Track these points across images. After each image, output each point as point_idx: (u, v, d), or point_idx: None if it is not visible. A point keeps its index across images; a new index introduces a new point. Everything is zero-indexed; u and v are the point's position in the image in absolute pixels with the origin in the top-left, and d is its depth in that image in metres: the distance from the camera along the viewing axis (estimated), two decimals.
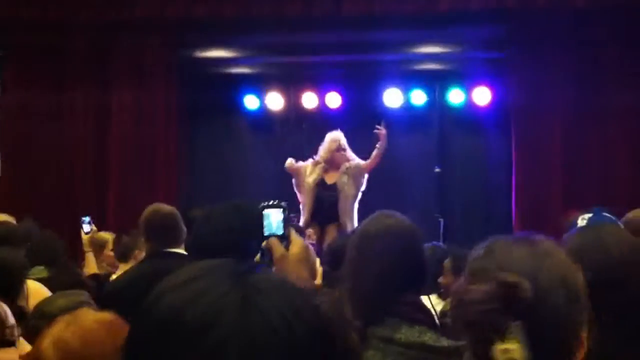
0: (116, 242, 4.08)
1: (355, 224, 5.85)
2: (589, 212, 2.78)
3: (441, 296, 3.15)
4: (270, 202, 1.65)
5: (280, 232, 1.60)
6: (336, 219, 6.07)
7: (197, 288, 0.70)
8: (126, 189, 6.78)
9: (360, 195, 6.18)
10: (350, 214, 6.02)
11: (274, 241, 1.59)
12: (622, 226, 3.01)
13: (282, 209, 1.63)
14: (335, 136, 6.20)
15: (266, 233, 1.62)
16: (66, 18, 6.64)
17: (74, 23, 6.68)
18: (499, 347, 0.97)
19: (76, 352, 1.33)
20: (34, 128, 6.90)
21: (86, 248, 3.91)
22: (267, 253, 1.60)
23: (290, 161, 6.30)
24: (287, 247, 1.58)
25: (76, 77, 6.89)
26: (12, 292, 2.43)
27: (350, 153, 6.21)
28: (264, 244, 1.60)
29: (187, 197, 7.76)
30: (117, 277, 3.29)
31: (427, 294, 3.08)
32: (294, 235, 1.62)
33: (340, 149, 6.12)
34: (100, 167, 6.88)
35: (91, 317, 1.43)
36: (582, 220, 2.75)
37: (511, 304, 1.00)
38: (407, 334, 1.68)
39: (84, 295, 2.29)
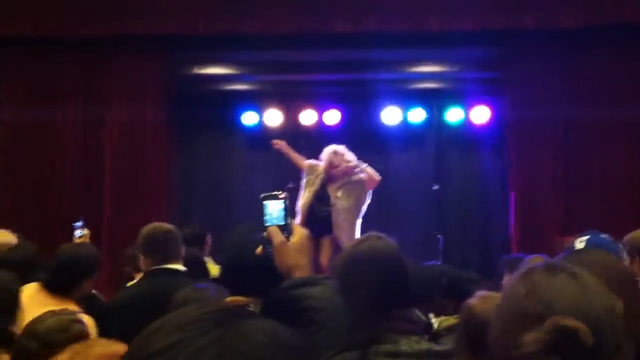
0: (130, 254, 4.12)
1: (352, 237, 5.79)
2: (585, 235, 2.78)
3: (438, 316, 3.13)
4: (271, 193, 1.63)
5: (281, 222, 1.58)
6: (330, 232, 6.01)
7: (177, 340, 0.69)
8: (120, 205, 6.73)
9: (362, 211, 6.08)
10: (346, 228, 5.94)
11: (273, 229, 1.58)
12: (620, 247, 3.02)
13: (283, 199, 1.60)
14: (332, 151, 6.08)
15: (267, 223, 1.59)
16: (62, 34, 6.65)
17: (70, 39, 6.69)
18: None
19: None
20: (29, 143, 6.89)
21: None
22: (268, 242, 1.58)
23: (309, 162, 6.22)
24: (288, 237, 1.57)
25: (72, 94, 6.88)
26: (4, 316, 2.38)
27: (356, 167, 6.06)
28: (264, 233, 1.59)
29: (183, 214, 7.74)
30: (119, 294, 3.29)
31: (425, 312, 3.06)
32: (296, 225, 1.61)
33: (334, 165, 6.01)
34: (95, 184, 6.86)
35: (97, 352, 1.39)
36: (579, 243, 2.75)
37: (572, 352, 0.92)
38: (409, 344, 1.72)
39: (74, 314, 2.26)
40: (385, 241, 1.88)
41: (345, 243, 5.69)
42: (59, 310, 2.35)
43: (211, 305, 0.77)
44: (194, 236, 4.75)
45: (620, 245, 3.07)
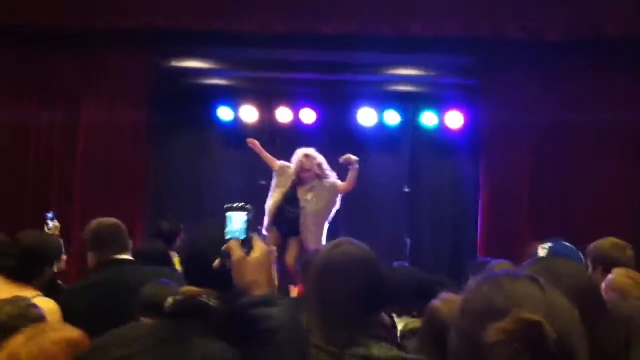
0: None
1: (323, 241, 5.82)
2: (548, 242, 2.84)
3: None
4: (234, 205, 1.60)
5: (242, 235, 1.56)
6: (297, 233, 6.04)
7: (120, 355, 0.71)
8: (91, 201, 6.62)
9: (331, 214, 6.11)
10: (313, 231, 5.96)
11: (233, 243, 1.55)
12: (581, 256, 3.08)
13: (246, 212, 1.58)
14: (303, 154, 6.10)
15: (228, 236, 1.56)
16: (36, 25, 6.54)
17: (45, 31, 6.59)
18: None
19: None
20: (2, 135, 6.78)
21: None
22: (227, 255, 1.55)
23: (276, 161, 6.25)
24: (248, 252, 1.55)
25: (48, 83, 6.80)
26: None
27: (326, 171, 6.12)
28: (224, 247, 1.56)
29: (156, 209, 7.68)
30: (75, 285, 3.32)
31: (398, 315, 3.09)
32: (257, 239, 1.59)
33: (305, 168, 6.03)
34: (67, 175, 6.76)
35: (52, 337, 1.39)
36: (542, 250, 2.80)
37: (536, 344, 0.92)
38: (380, 350, 1.72)
39: (26, 299, 2.28)
40: (360, 247, 1.90)
41: (311, 246, 5.74)
42: (11, 297, 2.36)
43: (158, 323, 0.79)
44: (169, 231, 4.74)
45: (581, 254, 3.12)
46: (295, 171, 6.07)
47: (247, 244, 1.55)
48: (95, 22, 6.54)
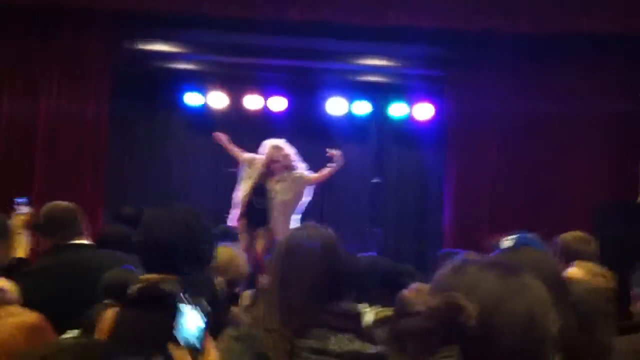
0: None
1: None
2: (513, 235, 2.84)
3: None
4: (194, 299, 1.32)
5: (197, 345, 1.33)
6: (266, 224, 6.04)
7: None
8: (51, 183, 6.44)
9: (301, 205, 6.12)
10: (282, 222, 5.96)
11: (181, 355, 1.34)
12: (545, 249, 3.09)
13: (205, 314, 1.35)
14: (272, 145, 6.08)
15: (181, 337, 1.30)
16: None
17: (6, 5, 6.37)
18: None
19: None
20: None
21: (18, 230, 3.72)
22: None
23: (241, 153, 6.22)
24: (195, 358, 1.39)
25: (5, 64, 6.58)
26: None
27: (295, 162, 6.10)
28: (169, 350, 1.35)
29: (119, 194, 7.55)
30: (28, 268, 3.22)
31: (369, 303, 3.08)
32: (209, 346, 1.46)
33: (274, 160, 6.01)
34: (27, 154, 6.58)
35: (13, 322, 1.34)
36: (507, 242, 2.81)
37: (450, 326, 0.93)
38: (338, 343, 1.69)
39: None
40: (322, 230, 1.86)
41: (280, 236, 5.71)
42: None
43: (94, 341, 0.77)
44: (132, 216, 4.64)
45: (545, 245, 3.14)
46: (264, 163, 6.05)
47: (197, 353, 1.31)
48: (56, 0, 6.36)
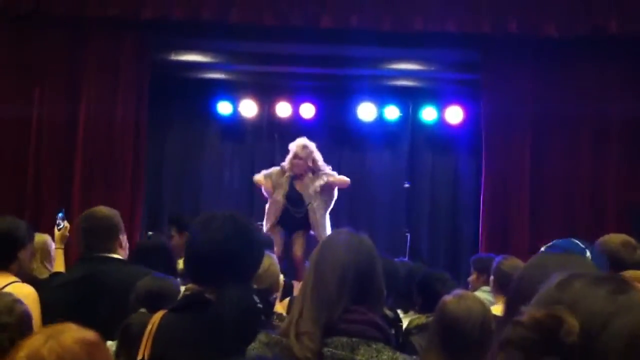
0: None
1: (328, 232, 5.87)
2: (555, 242, 2.79)
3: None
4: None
5: None
6: (304, 228, 6.10)
7: None
8: (89, 192, 6.59)
9: (331, 205, 6.16)
10: (322, 224, 6.03)
11: None
12: (588, 254, 3.02)
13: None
14: (297, 145, 6.09)
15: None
16: (37, 10, 6.49)
17: (45, 16, 6.53)
18: None
19: None
20: (3, 124, 6.74)
21: (58, 244, 3.81)
22: None
23: (259, 177, 6.24)
24: None
25: (45, 73, 6.73)
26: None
27: (320, 163, 6.12)
28: None
29: (153, 203, 7.66)
30: (56, 280, 3.24)
31: (404, 310, 3.09)
32: None
33: (299, 157, 6.01)
34: (66, 168, 6.73)
35: (73, 336, 1.38)
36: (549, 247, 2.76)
37: (551, 339, 0.92)
38: (366, 354, 1.65)
39: (11, 295, 2.26)
40: (359, 236, 1.88)
41: (322, 237, 5.73)
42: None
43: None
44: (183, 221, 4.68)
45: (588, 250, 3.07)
46: (288, 159, 6.06)
47: None
48: (92, 11, 6.49)
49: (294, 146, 6.09)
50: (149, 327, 1.94)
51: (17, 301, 2.18)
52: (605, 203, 6.62)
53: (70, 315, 2.19)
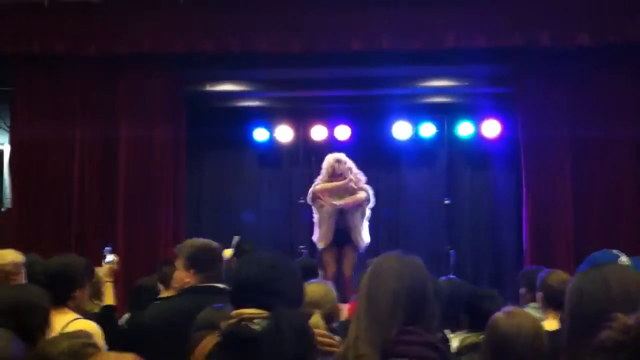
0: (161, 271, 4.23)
1: (367, 239, 6.15)
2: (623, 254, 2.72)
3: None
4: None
5: None
6: (350, 239, 6.21)
7: None
8: (133, 223, 6.77)
9: (368, 212, 6.27)
10: (360, 231, 6.16)
11: None
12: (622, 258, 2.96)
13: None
14: (334, 159, 6.28)
15: None
16: (72, 51, 6.69)
17: (80, 56, 6.74)
18: None
19: None
20: (44, 161, 6.94)
21: (106, 278, 3.88)
22: None
23: (320, 186, 6.36)
24: None
25: (83, 111, 6.93)
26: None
27: (357, 173, 6.28)
28: None
29: (193, 231, 7.75)
30: (156, 307, 3.28)
31: (452, 330, 3.05)
32: None
33: (336, 173, 6.19)
34: (108, 201, 6.90)
35: None
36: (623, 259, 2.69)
37: (637, 343, 1.01)
38: None
39: (89, 337, 2.27)
40: (410, 259, 1.89)
41: (362, 243, 6.14)
42: (72, 332, 2.36)
43: None
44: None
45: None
46: (326, 175, 6.21)
47: None
48: (124, 49, 6.67)
49: (328, 163, 6.27)
50: (200, 347, 1.98)
51: (88, 345, 2.15)
52: None
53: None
